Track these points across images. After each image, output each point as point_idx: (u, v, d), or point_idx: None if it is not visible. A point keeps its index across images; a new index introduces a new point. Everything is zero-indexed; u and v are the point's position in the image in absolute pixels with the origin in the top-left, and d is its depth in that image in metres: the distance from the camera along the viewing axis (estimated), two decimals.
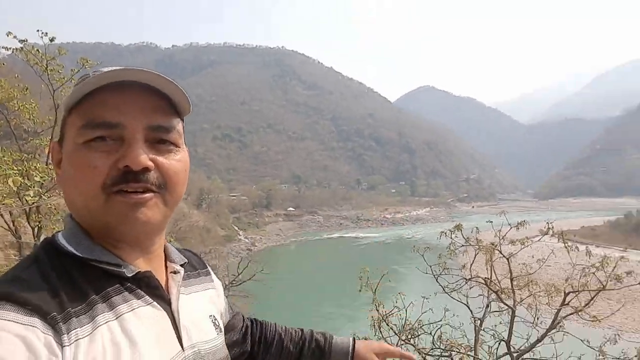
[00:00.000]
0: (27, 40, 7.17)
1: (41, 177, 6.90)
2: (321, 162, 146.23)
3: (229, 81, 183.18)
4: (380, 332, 4.61)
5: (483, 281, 5.07)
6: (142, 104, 0.69)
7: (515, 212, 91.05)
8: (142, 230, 0.70)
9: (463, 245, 5.24)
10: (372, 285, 4.68)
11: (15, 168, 6.40)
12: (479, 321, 5.02)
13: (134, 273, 0.69)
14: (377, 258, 47.13)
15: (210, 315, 0.84)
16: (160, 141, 0.71)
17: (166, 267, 0.80)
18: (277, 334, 1.09)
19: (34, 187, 6.50)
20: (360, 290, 4.74)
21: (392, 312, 4.72)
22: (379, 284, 4.72)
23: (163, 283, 0.75)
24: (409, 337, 4.74)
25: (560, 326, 4.78)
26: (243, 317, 1.07)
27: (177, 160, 0.72)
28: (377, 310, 4.70)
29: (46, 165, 7.29)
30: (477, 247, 5.15)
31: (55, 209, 7.77)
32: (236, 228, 65.42)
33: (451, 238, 4.97)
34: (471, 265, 5.30)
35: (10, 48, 7.01)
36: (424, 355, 4.69)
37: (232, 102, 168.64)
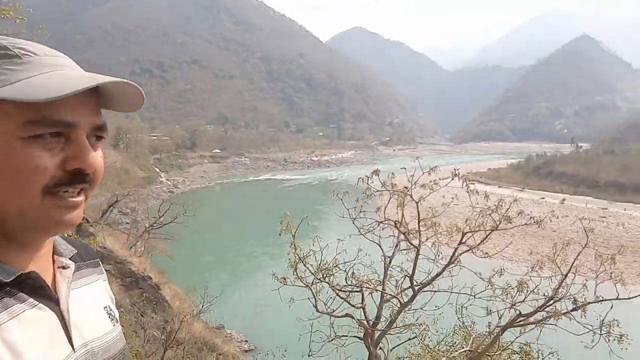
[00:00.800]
0: None
1: None
2: (250, 103, 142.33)
3: (150, 11, 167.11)
4: (296, 272, 4.84)
5: (393, 223, 5.41)
6: (91, 103, 0.67)
7: (432, 155, 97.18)
8: (61, 232, 0.68)
9: (379, 190, 5.50)
10: (292, 229, 4.81)
11: None
12: (388, 259, 5.42)
13: (14, 276, 0.62)
14: (302, 199, 48.25)
15: (105, 307, 0.80)
16: (96, 137, 0.68)
17: (54, 261, 0.74)
18: None
19: None
20: (280, 234, 4.88)
21: (309, 254, 4.93)
22: (298, 228, 4.87)
23: (50, 280, 0.70)
24: (324, 276, 4.99)
25: (458, 262, 5.30)
26: None
27: (101, 156, 0.69)
28: (295, 253, 4.87)
29: None
30: (391, 191, 5.41)
31: None
32: (157, 170, 62.73)
33: (367, 184, 5.17)
34: (385, 208, 5.63)
35: None
36: (337, 291, 5.00)
37: (153, 34, 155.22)
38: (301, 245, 5.11)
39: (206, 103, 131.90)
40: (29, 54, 0.63)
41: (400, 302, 5.21)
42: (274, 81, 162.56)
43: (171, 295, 15.24)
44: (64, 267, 0.74)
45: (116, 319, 0.81)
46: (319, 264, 5.16)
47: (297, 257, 5.02)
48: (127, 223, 26.52)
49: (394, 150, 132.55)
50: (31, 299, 0.64)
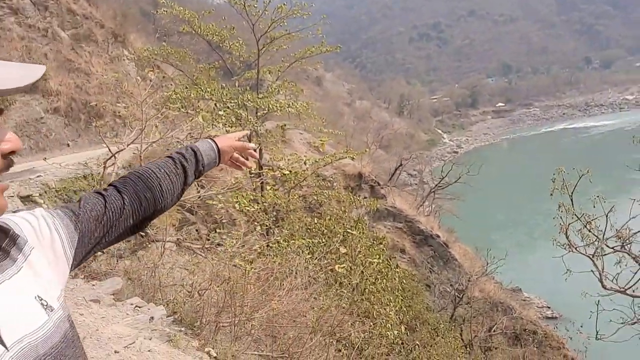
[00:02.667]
0: None
1: (253, 105, 7.94)
2: (538, 44, 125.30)
3: None
4: (568, 238, 4.03)
5: None
6: None
7: None
8: None
9: None
10: (568, 188, 4.04)
11: (232, 101, 7.56)
12: None
13: None
14: (610, 152, 39.64)
15: (36, 297, 0.72)
16: None
17: None
18: (156, 171, 1.05)
19: (248, 116, 7.57)
20: (552, 195, 4.18)
21: (591, 217, 4.00)
22: (575, 187, 4.05)
23: None
24: (623, 243, 3.98)
25: None
26: (101, 192, 0.98)
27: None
28: (574, 214, 4.05)
29: (257, 95, 8.37)
30: None
31: (269, 131, 8.98)
32: (440, 131, 64.14)
33: None
34: None
35: None
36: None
37: None
38: (583, 209, 4.21)
39: (486, 54, 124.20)
40: None
41: None
42: (567, 12, 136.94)
43: (461, 254, 15.51)
44: None
45: (50, 306, 0.73)
46: (604, 230, 4.13)
47: (583, 220, 4.16)
48: (415, 184, 28.35)
49: None
50: None
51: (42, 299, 0.72)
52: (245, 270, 3.34)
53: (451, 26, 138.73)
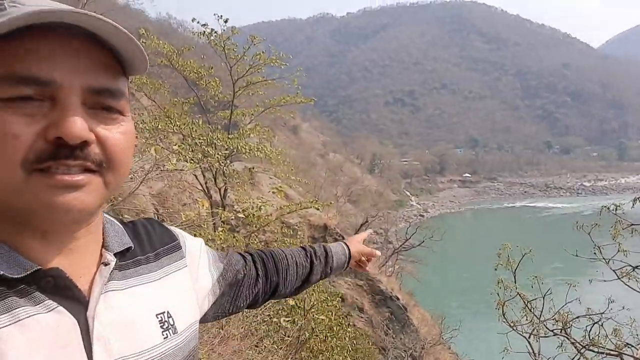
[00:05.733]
0: (207, 24, 8.12)
1: (222, 145, 7.83)
2: (502, 123, 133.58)
3: (402, 43, 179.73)
4: (504, 315, 4.05)
5: None
6: (82, 57, 0.52)
7: None
8: (71, 219, 0.54)
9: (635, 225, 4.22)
10: (512, 264, 4.12)
11: (202, 138, 7.43)
12: None
13: (27, 272, 0.51)
14: (567, 234, 41.45)
15: (159, 314, 0.63)
16: (103, 107, 0.55)
17: (101, 256, 0.61)
18: (288, 257, 1.03)
19: (215, 154, 7.43)
20: (496, 269, 4.26)
21: (534, 297, 4.07)
22: (519, 264, 4.16)
23: (88, 280, 0.58)
24: (563, 327, 4.00)
25: None
26: (244, 254, 0.96)
27: (123, 133, 0.56)
28: (521, 294, 4.10)
29: (228, 135, 8.29)
30: None
31: (237, 172, 8.83)
32: (408, 193, 65.54)
33: (615, 213, 3.97)
34: None
35: (195, 32, 8.03)
36: (579, 348, 3.88)
37: (405, 65, 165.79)
38: (522, 286, 4.28)
39: (455, 126, 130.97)
40: (15, 4, 0.51)
41: None
42: (531, 98, 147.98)
43: (419, 318, 15.25)
44: (106, 264, 0.60)
45: (174, 328, 0.64)
46: (541, 311, 4.17)
47: (525, 301, 4.17)
48: (380, 243, 28.37)
49: None
50: (49, 301, 0.52)
51: (167, 318, 0.66)
52: None
53: (424, 95, 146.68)
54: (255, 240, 7.45)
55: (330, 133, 73.85)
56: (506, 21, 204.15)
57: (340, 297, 7.18)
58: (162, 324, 0.63)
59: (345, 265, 1.18)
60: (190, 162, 6.10)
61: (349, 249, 1.17)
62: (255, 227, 7.38)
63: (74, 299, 0.55)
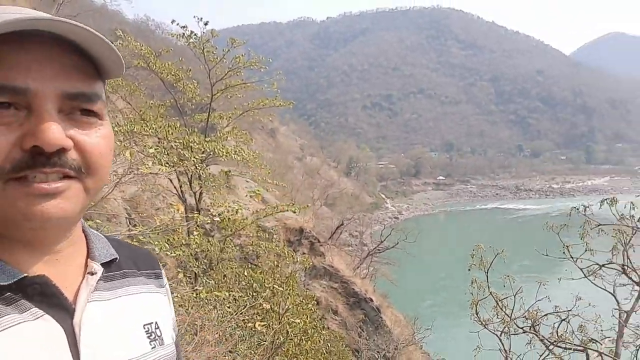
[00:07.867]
0: (187, 27, 8.09)
1: (199, 148, 7.83)
2: (477, 128, 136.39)
3: (381, 48, 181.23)
4: (477, 314, 4.22)
5: (620, 267, 4.17)
6: (57, 63, 0.53)
7: None
8: (50, 227, 0.54)
9: (603, 225, 4.43)
10: (485, 265, 4.28)
11: (177, 141, 7.40)
12: (625, 314, 4.14)
13: (14, 280, 0.52)
14: (536, 232, 42.68)
15: (146, 324, 0.64)
16: (81, 112, 0.55)
17: (87, 266, 0.62)
18: None
19: (192, 158, 7.42)
20: (469, 270, 4.41)
21: (505, 296, 4.25)
22: (492, 264, 4.32)
23: (75, 289, 0.58)
24: (533, 324, 4.20)
25: None
26: None
27: (101, 137, 0.57)
28: (492, 294, 4.28)
29: (205, 138, 8.28)
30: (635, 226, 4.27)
31: (213, 175, 8.81)
32: (383, 196, 66.19)
33: (585, 214, 4.17)
34: (626, 248, 4.36)
35: (173, 34, 8.01)
36: (547, 345, 4.08)
37: (384, 69, 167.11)
38: (494, 284, 4.45)
39: (431, 131, 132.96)
40: None
41: None
42: (505, 103, 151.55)
43: (392, 320, 15.46)
44: (92, 273, 0.61)
45: (160, 339, 0.65)
46: (513, 309, 4.37)
47: (497, 300, 4.35)
48: (355, 245, 28.59)
49: None
50: (35, 309, 0.52)
51: (154, 329, 0.67)
52: None
53: (402, 100, 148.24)
54: (230, 244, 7.46)
55: (308, 136, 73.92)
56: (482, 28, 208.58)
57: (315, 300, 7.28)
58: (149, 335, 0.64)
59: None
60: (166, 166, 6.09)
61: None
62: (231, 231, 7.39)
63: (60, 307, 0.55)
